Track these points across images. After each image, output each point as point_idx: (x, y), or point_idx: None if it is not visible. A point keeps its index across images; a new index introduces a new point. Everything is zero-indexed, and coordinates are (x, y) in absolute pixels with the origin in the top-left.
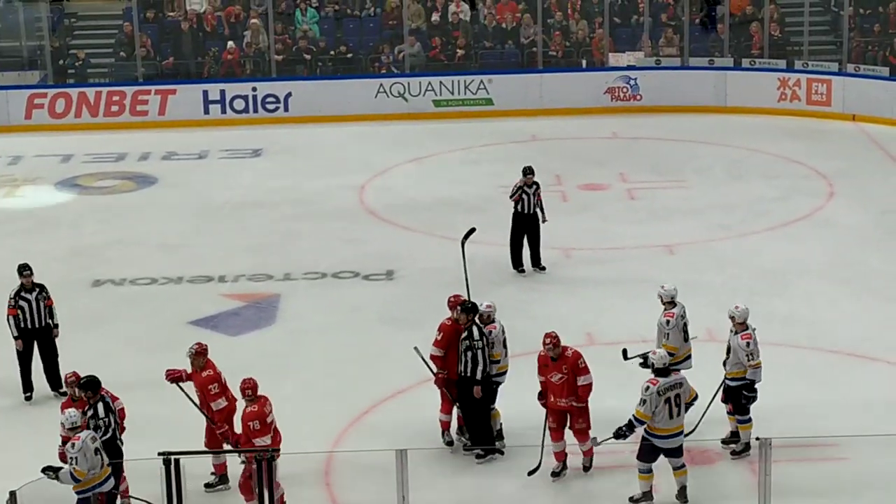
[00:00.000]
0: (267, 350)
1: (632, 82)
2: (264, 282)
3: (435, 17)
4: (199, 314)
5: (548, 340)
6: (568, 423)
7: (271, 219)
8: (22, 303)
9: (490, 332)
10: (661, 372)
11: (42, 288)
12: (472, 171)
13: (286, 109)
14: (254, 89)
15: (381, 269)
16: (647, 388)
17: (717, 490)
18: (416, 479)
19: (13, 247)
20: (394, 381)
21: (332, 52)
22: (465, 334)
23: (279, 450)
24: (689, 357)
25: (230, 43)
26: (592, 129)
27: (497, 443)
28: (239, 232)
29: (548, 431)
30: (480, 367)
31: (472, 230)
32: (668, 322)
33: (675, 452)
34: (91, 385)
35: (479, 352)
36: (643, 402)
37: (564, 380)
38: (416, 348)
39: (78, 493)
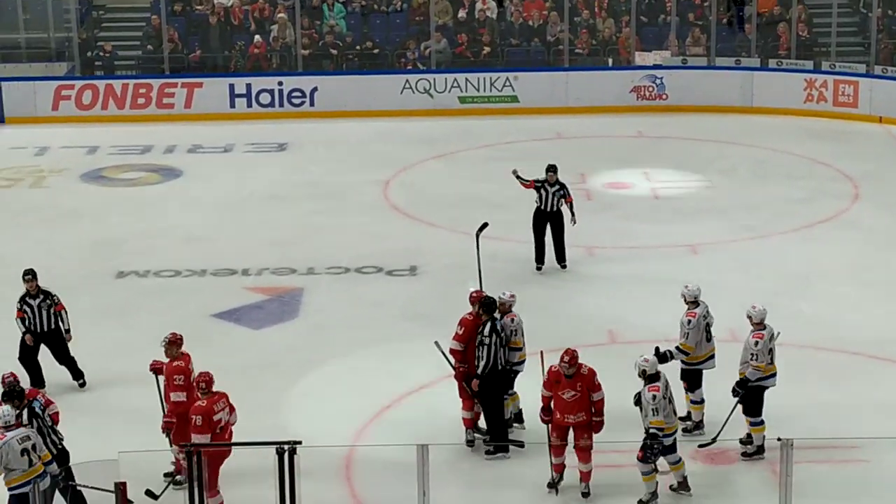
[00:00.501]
0: (289, 344)
1: (658, 81)
2: (288, 276)
3: (462, 13)
4: (222, 307)
5: (566, 358)
6: (572, 441)
7: (295, 213)
8: (25, 307)
9: (511, 320)
10: (654, 377)
11: (48, 295)
12: (497, 167)
13: (312, 104)
14: (280, 83)
15: (405, 265)
16: (654, 396)
17: (736, 490)
18: (436, 475)
19: (38, 237)
20: (416, 377)
21: (358, 48)
22: (479, 329)
23: (301, 441)
24: (712, 357)
25: (257, 37)
26: (618, 128)
27: (515, 424)
28: (263, 225)
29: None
30: (483, 363)
31: (486, 224)
32: (689, 321)
33: (672, 448)
34: (13, 395)
35: (486, 348)
36: (655, 410)
37: (577, 397)
38: (436, 343)
39: (9, 489)
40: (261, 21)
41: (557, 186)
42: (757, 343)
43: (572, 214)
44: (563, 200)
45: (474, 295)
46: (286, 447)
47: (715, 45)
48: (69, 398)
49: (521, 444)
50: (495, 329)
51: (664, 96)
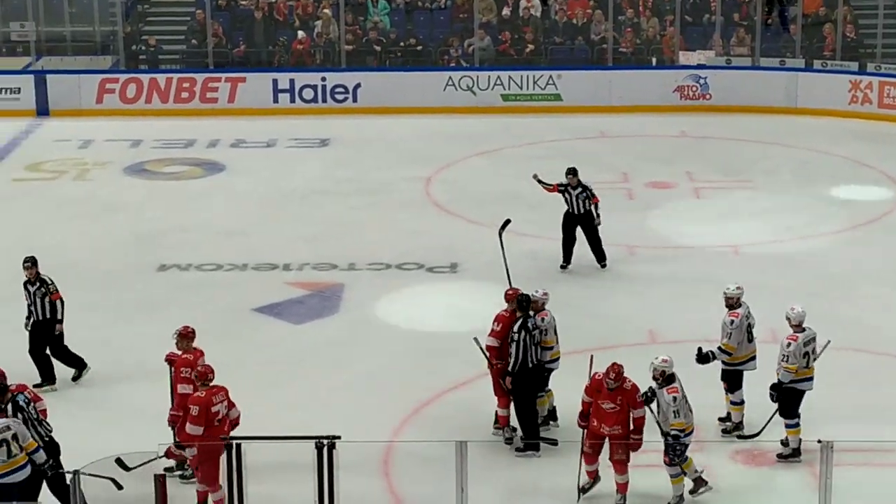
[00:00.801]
0: (329, 339)
1: (702, 81)
2: (328, 271)
3: (505, 11)
4: (263, 301)
5: (612, 374)
6: (608, 453)
7: (337, 208)
8: (26, 293)
9: (542, 318)
10: (671, 378)
11: (43, 283)
12: (539, 166)
13: (355, 100)
14: (323, 79)
15: (445, 262)
16: (675, 398)
17: (775, 492)
18: (474, 472)
19: (81, 230)
20: (454, 374)
21: (401, 44)
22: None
23: (340, 436)
24: (753, 358)
25: (301, 32)
26: (661, 127)
27: (551, 422)
28: (305, 221)
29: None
30: (513, 360)
31: (508, 221)
32: (731, 322)
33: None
34: None
35: (516, 344)
36: (677, 412)
37: (616, 410)
38: (475, 339)
39: None
40: (304, 17)
41: (580, 189)
42: (790, 345)
43: (597, 215)
44: (588, 202)
45: (510, 292)
46: (325, 442)
47: (759, 45)
48: (101, 391)
49: (554, 442)
50: (525, 326)
51: (708, 96)
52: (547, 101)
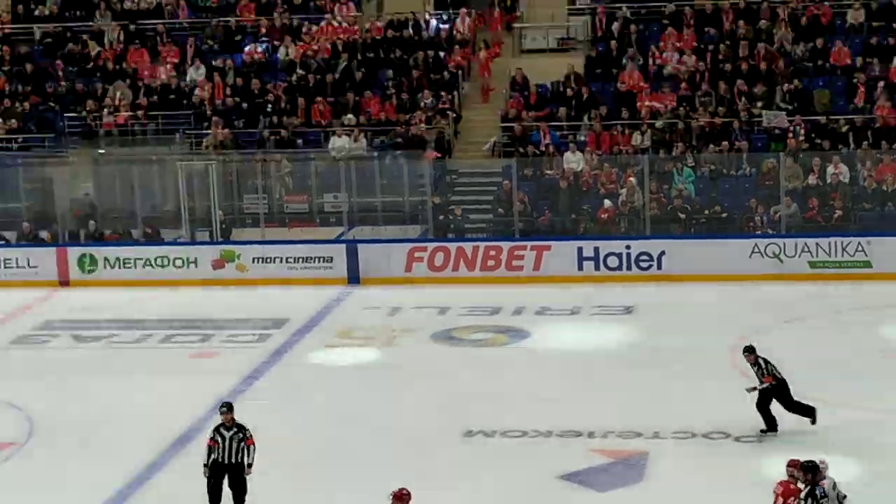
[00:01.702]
0: None
1: None
2: (633, 439)
3: (812, 178)
4: (567, 469)
5: None
6: None
7: (642, 376)
8: (218, 437)
9: (822, 487)
10: None
11: (241, 428)
12: (847, 335)
13: (659, 267)
14: (627, 247)
15: (753, 432)
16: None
17: None
18: None
19: (388, 396)
20: None
21: (706, 212)
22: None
23: None
24: None
25: (606, 201)
26: None
27: None
28: (609, 388)
29: None
30: None
31: None
32: None
33: None
34: None
35: None
36: None
37: None
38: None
39: None
40: (609, 185)
41: (756, 366)
42: None
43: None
44: (762, 379)
45: (798, 462)
46: None
47: None
48: None
49: None
50: (813, 494)
51: None
52: (856, 268)
